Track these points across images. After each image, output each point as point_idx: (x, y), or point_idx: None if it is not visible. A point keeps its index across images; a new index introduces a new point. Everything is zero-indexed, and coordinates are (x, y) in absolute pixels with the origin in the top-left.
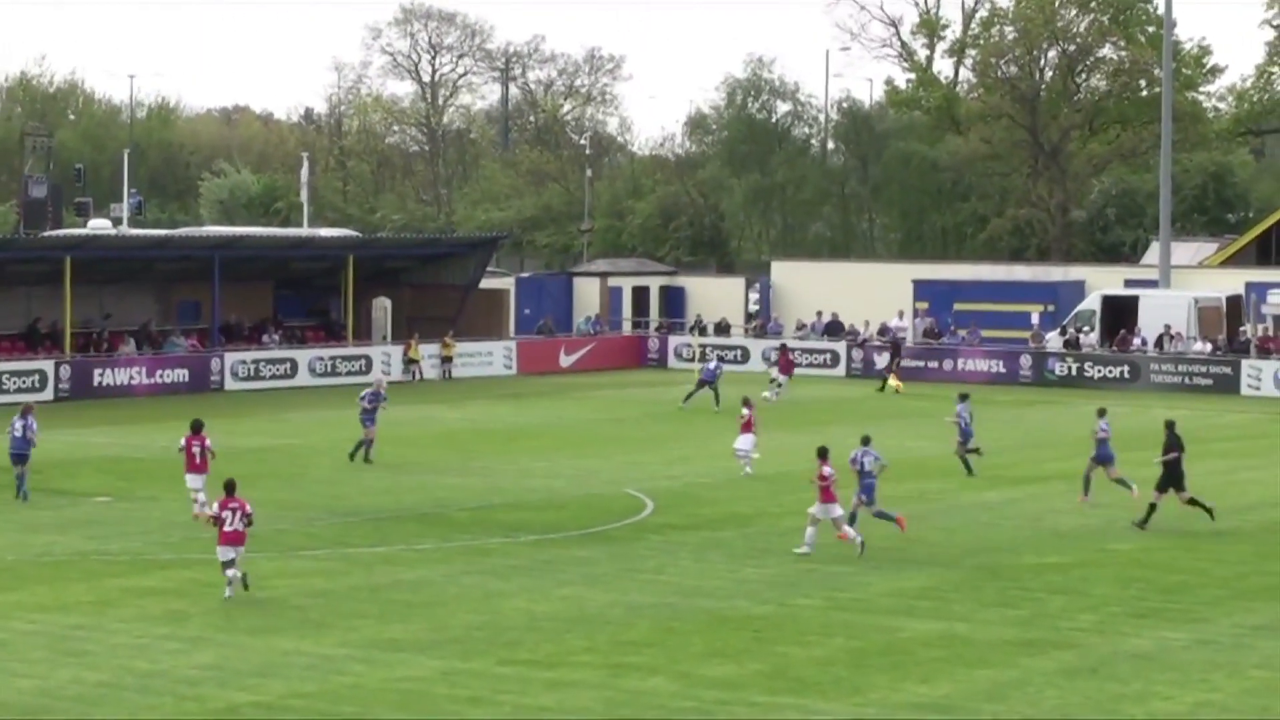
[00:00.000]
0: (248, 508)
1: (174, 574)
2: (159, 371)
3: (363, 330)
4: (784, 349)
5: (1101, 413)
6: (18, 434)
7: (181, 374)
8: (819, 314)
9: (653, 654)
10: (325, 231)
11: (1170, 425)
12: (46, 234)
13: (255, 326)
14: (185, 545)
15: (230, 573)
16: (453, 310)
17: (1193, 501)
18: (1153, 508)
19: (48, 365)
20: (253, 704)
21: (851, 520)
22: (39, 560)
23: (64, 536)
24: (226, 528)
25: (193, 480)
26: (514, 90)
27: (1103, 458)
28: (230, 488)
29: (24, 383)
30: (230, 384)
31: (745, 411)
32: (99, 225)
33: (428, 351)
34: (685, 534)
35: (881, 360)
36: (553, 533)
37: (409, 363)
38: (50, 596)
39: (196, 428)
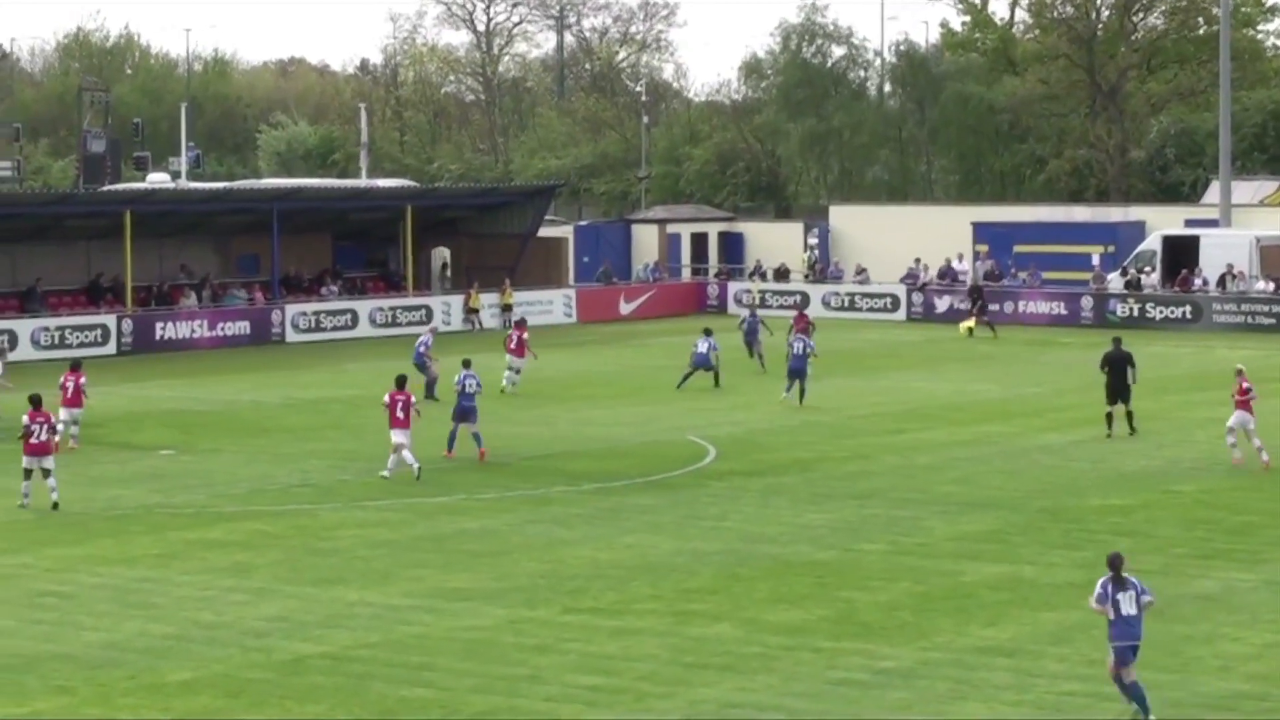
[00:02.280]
0: (53, 419)
1: (239, 526)
2: (220, 324)
3: (422, 280)
4: (799, 308)
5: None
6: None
7: (242, 326)
8: (916, 260)
9: (717, 601)
10: (383, 182)
11: (1117, 341)
12: (106, 188)
13: (315, 278)
14: (249, 498)
15: (26, 485)
16: (511, 259)
17: (1130, 415)
18: (1110, 417)
19: (110, 319)
20: (319, 655)
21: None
22: (104, 514)
23: (128, 490)
24: (33, 440)
25: (66, 414)
26: (569, 38)
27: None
28: (36, 402)
29: (86, 337)
30: (291, 336)
31: (515, 334)
32: (158, 179)
33: (487, 301)
34: (748, 480)
35: (944, 304)
36: (615, 480)
37: (470, 312)
38: (116, 550)
39: (75, 365)
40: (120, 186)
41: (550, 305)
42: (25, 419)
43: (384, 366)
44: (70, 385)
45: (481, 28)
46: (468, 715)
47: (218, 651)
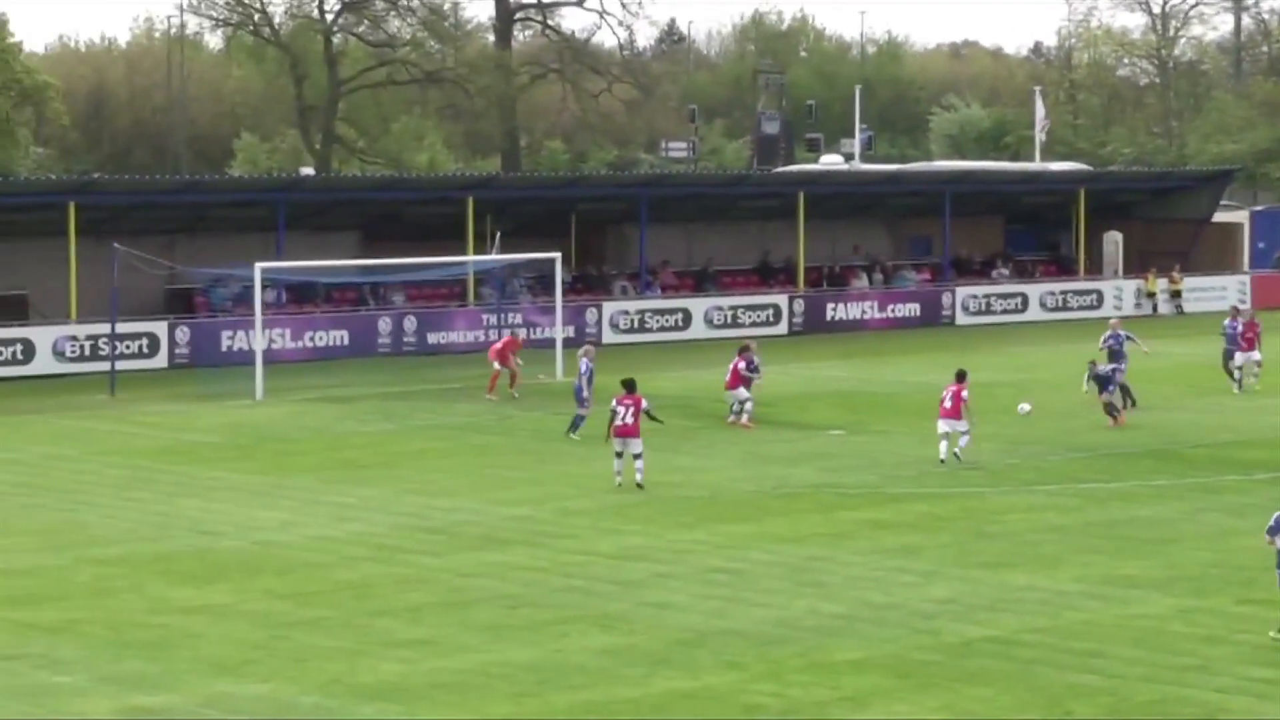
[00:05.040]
0: (642, 404)
1: (907, 507)
2: (890, 306)
3: (1094, 264)
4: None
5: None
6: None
7: (912, 308)
8: None
9: None
10: (1055, 166)
11: None
12: (779, 170)
13: (985, 261)
14: (919, 480)
15: (618, 464)
16: (1184, 245)
17: None
18: None
19: (781, 299)
20: (986, 638)
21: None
22: (774, 492)
23: (797, 469)
24: (618, 422)
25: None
26: (1246, 20)
27: None
28: (629, 386)
29: (758, 316)
30: (961, 318)
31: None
32: (830, 161)
33: (1160, 286)
34: None
35: None
36: None
37: (1146, 296)
38: (786, 528)
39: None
40: (793, 168)
41: (1224, 291)
42: (613, 402)
43: (1053, 351)
44: (741, 366)
45: (1157, 10)
46: (1137, 703)
47: (886, 632)
